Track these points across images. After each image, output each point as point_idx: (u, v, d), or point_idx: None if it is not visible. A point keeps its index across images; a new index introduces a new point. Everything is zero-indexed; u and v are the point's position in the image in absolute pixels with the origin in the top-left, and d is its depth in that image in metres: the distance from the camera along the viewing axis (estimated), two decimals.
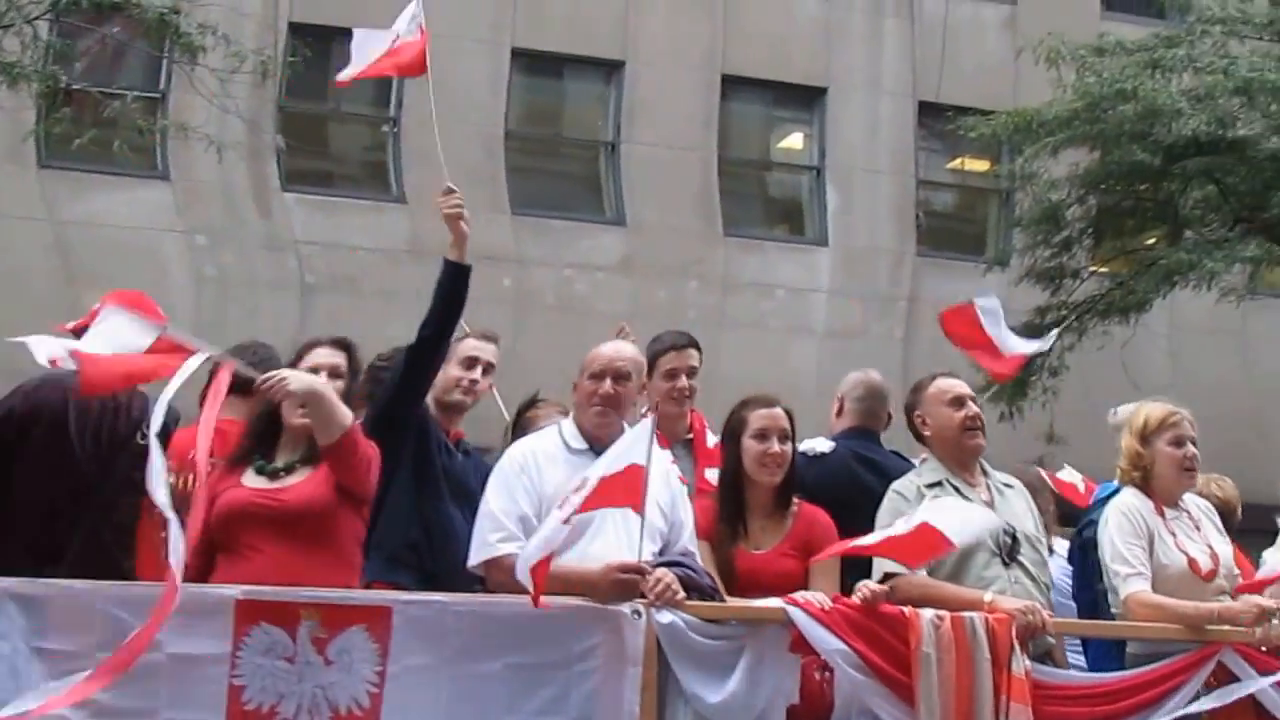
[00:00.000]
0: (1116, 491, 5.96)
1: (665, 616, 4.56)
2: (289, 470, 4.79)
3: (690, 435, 6.41)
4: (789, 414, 5.69)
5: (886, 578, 5.17)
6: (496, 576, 4.83)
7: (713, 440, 6.22)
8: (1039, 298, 18.24)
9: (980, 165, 21.21)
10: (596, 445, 5.06)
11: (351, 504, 4.78)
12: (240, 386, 4.94)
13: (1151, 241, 18.26)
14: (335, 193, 19.47)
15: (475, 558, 4.94)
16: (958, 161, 21.70)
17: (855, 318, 20.45)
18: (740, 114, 21.17)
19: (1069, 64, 16.91)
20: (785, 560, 5.29)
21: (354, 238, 18.59)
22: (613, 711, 4.44)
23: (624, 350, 5.45)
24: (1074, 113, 16.67)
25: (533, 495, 4.99)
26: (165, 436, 4.56)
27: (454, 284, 5.70)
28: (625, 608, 4.52)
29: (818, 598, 4.87)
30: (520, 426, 6.20)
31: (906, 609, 4.89)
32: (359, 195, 19.27)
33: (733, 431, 5.62)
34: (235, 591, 4.26)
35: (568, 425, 5.27)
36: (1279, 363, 21.31)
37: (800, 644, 4.76)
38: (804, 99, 20.97)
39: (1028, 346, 8.35)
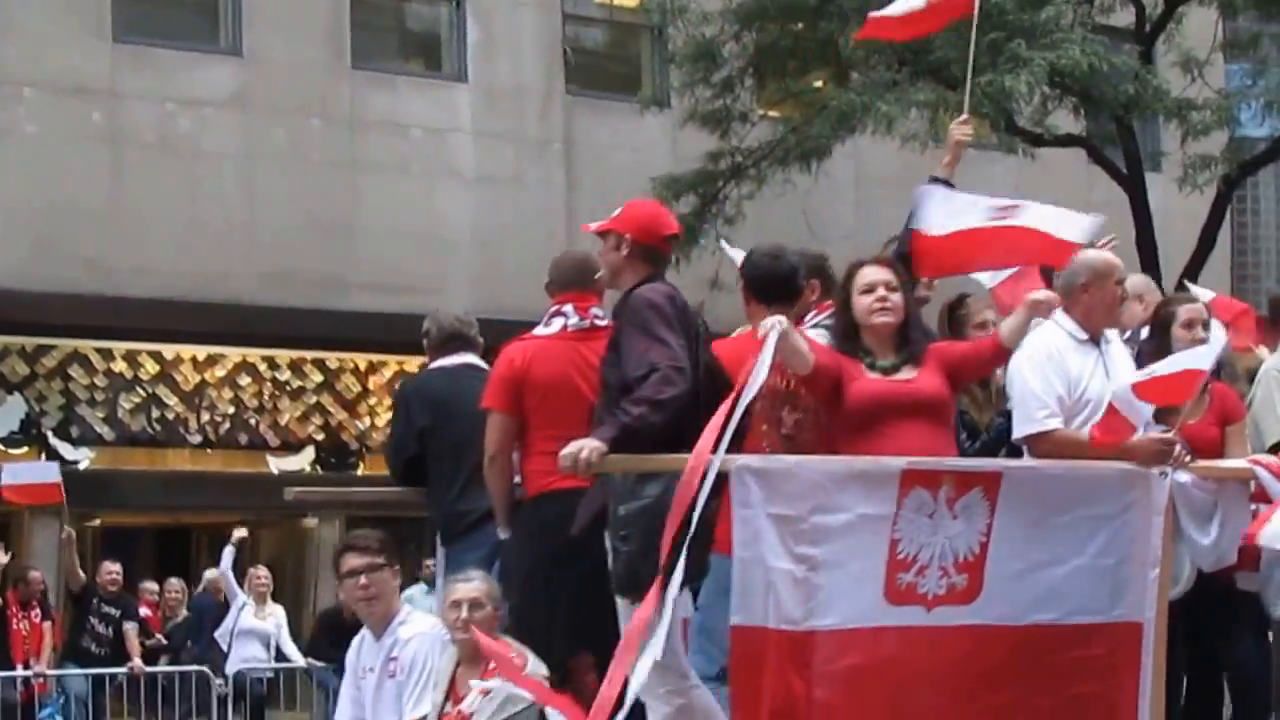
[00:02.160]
0: None
1: (1181, 476, 5.74)
2: (896, 369, 5.80)
3: None
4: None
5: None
6: (1042, 448, 5.97)
7: None
8: (708, 142, 18.82)
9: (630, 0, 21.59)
10: (1095, 337, 6.29)
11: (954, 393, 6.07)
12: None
13: (819, 85, 18.83)
14: None
15: (1023, 431, 6.07)
16: None
17: (507, 161, 20.78)
18: None
19: None
20: (1210, 429, 6.46)
21: None
22: (1144, 552, 5.61)
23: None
24: None
25: (1063, 378, 6.10)
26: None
27: None
28: (1155, 470, 5.69)
29: (1273, 459, 6.19)
30: (955, 324, 7.07)
31: None
32: None
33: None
34: (902, 463, 5.33)
35: (1065, 320, 6.25)
36: None
37: (1260, 495, 5.97)
38: None
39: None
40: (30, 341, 18.78)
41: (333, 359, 20.10)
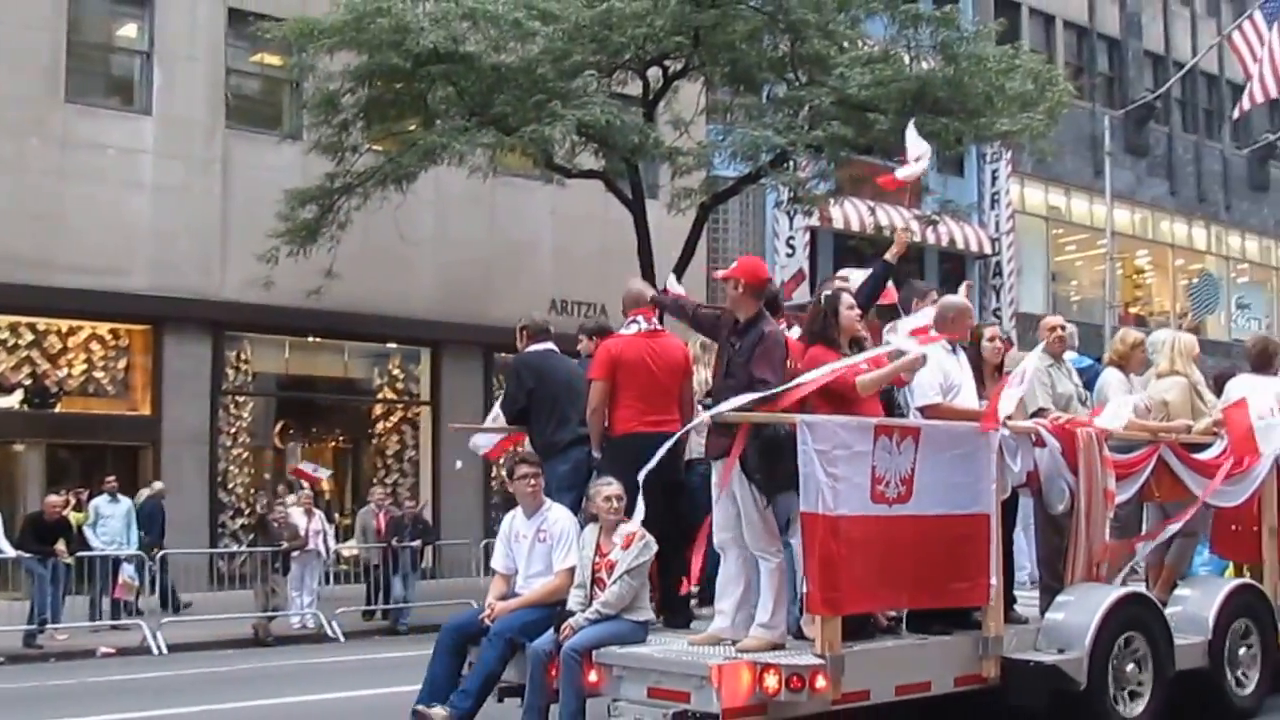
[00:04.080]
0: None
1: (1005, 431, 8.67)
2: None
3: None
4: None
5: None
6: (929, 413, 8.29)
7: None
8: (327, 166, 21.39)
9: (276, 59, 23.77)
10: (955, 348, 8.83)
11: None
12: None
13: (412, 127, 21.07)
14: None
15: (920, 402, 8.36)
16: (259, 56, 24.27)
17: (179, 176, 22.83)
18: (87, 6, 22.74)
19: None
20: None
21: None
22: (987, 473, 8.23)
23: None
24: (344, 23, 19.51)
25: (943, 373, 8.47)
26: None
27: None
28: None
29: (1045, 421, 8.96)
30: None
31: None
32: None
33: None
34: (873, 421, 7.72)
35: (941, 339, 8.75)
36: (517, 226, 26.32)
37: (1039, 442, 8.81)
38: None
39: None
40: None
41: (41, 323, 21.98)
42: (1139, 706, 8.78)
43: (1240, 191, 44.35)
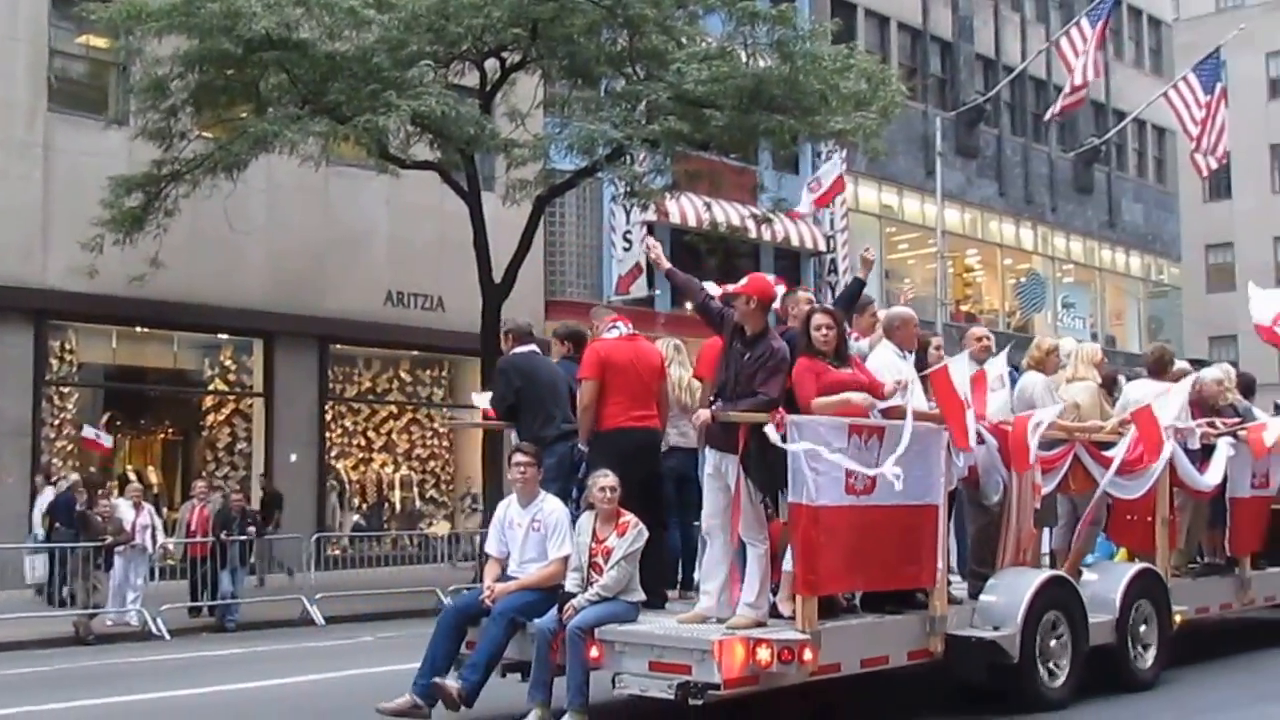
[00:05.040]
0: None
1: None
2: (840, 368, 9.16)
3: None
4: None
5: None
6: (887, 414, 9.06)
7: None
8: (155, 153, 21.10)
9: (103, 42, 23.27)
10: (905, 352, 9.98)
11: None
12: None
13: (243, 115, 20.88)
14: None
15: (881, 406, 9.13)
16: (85, 38, 23.81)
17: None
18: None
19: None
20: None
21: None
22: (935, 467, 9.20)
23: None
24: (174, 6, 19.19)
25: (898, 375, 9.31)
26: None
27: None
28: (932, 424, 9.27)
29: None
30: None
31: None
32: None
33: None
34: (847, 421, 8.74)
35: (890, 345, 9.89)
36: (351, 216, 26.34)
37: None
38: None
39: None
40: None
41: None
42: (1059, 678, 9.81)
43: (1066, 194, 45.80)
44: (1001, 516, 10.12)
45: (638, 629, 8.76)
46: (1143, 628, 10.96)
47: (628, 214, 28.25)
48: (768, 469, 8.46)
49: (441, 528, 27.03)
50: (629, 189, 23.31)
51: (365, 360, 28.09)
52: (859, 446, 8.50)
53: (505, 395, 10.18)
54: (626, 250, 29.56)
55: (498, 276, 22.51)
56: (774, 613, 8.85)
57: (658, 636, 8.54)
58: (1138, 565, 11.29)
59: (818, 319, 9.01)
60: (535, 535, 9.51)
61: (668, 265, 9.50)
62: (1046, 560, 11.35)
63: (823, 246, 35.10)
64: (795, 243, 34.05)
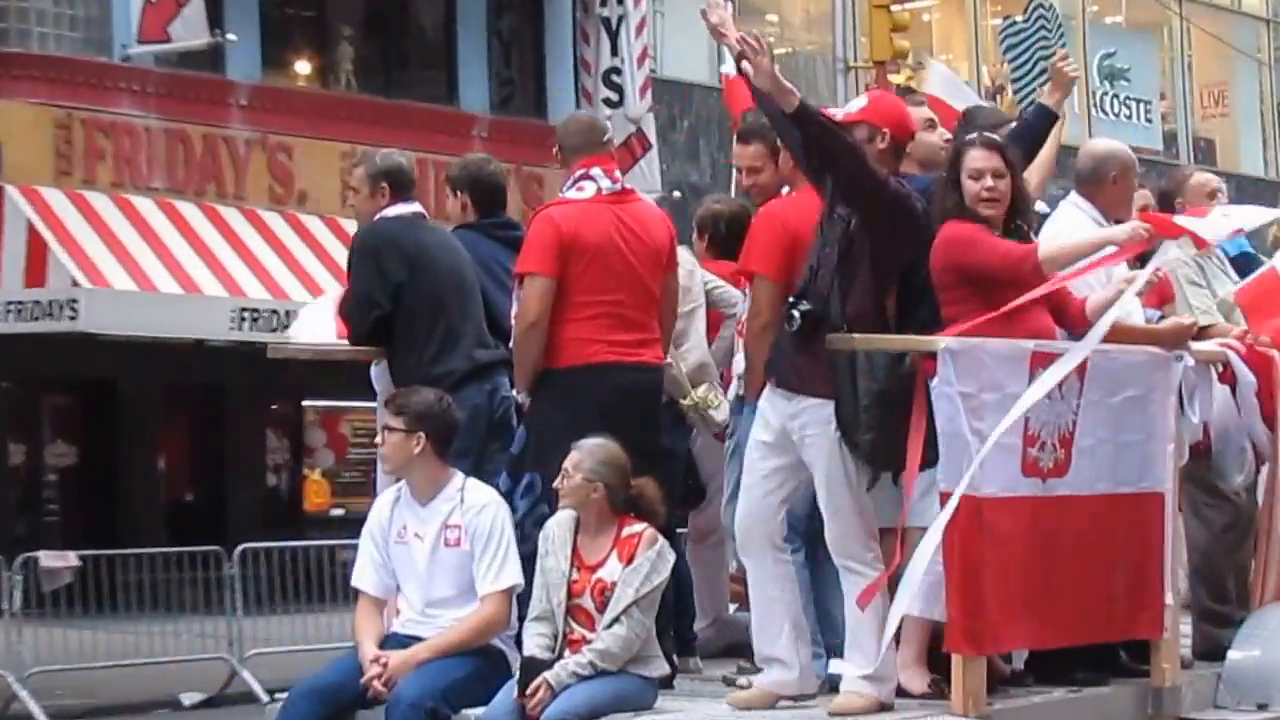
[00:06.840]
0: None
1: (1189, 360, 5.81)
2: None
3: None
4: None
5: None
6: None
7: None
8: None
9: None
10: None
11: None
12: None
13: None
14: None
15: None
16: None
17: None
18: None
19: None
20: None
21: None
22: (1163, 429, 5.67)
23: None
24: None
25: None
26: None
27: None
28: (1173, 354, 5.75)
29: (1238, 344, 6.23)
30: None
31: None
32: None
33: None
34: (1030, 345, 5.28)
35: (1089, 208, 6.04)
36: None
37: (1226, 377, 6.14)
38: None
39: None
40: None
41: None
42: None
43: None
44: (1259, 512, 6.45)
45: None
46: None
47: None
48: (893, 430, 5.18)
49: None
50: None
51: None
52: (1048, 393, 5.27)
53: (374, 298, 6.02)
54: None
55: None
56: (835, 687, 5.45)
57: None
58: None
59: (977, 157, 5.37)
60: (450, 554, 5.58)
61: (737, 37, 5.27)
62: None
63: None
64: None
